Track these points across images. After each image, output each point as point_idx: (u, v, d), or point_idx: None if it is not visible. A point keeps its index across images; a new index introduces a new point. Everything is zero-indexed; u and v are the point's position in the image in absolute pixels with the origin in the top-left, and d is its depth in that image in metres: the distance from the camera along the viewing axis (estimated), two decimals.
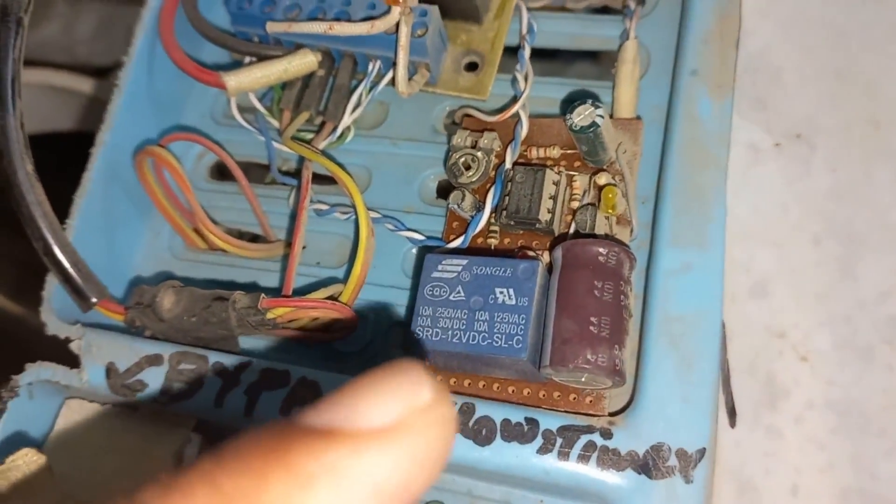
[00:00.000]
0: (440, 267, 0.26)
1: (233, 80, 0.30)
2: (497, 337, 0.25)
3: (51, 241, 0.27)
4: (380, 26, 0.29)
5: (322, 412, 0.14)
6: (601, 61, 0.41)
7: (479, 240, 0.29)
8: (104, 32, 0.63)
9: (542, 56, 0.33)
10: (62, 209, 0.30)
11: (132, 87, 0.31)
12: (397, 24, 0.29)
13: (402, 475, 0.14)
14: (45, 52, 0.58)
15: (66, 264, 0.28)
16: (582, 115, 0.27)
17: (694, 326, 0.26)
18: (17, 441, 0.28)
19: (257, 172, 0.35)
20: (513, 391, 0.27)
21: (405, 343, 0.29)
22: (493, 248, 0.29)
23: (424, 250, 0.29)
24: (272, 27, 0.30)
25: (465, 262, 0.26)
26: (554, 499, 0.26)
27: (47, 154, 0.32)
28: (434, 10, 0.30)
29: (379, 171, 0.32)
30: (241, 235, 0.32)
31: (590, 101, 0.27)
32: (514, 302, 0.25)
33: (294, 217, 0.32)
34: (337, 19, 0.30)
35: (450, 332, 0.25)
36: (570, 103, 0.31)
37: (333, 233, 0.32)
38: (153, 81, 0.32)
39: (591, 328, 0.24)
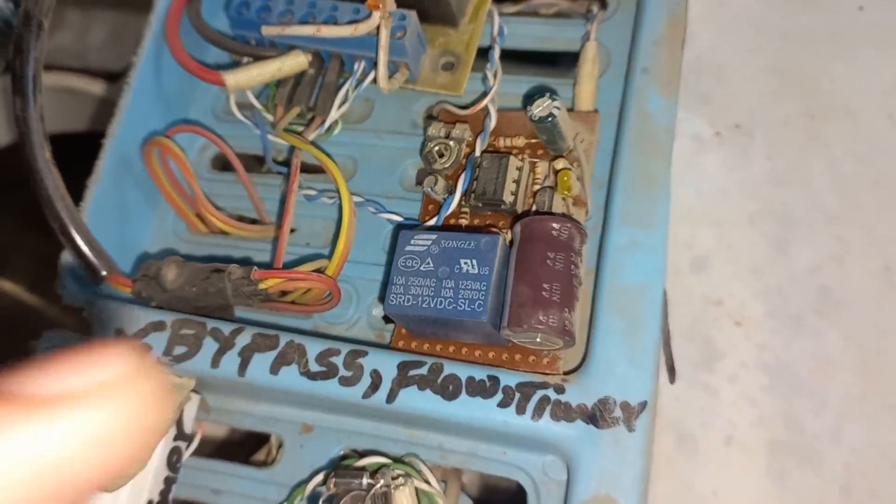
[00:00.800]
0: (412, 241, 0.29)
1: (231, 78, 0.34)
2: (461, 302, 0.28)
3: (66, 220, 0.31)
4: (362, 29, 0.32)
5: (6, 376, 0.13)
6: (561, 65, 0.44)
7: (451, 220, 0.32)
8: (115, 40, 0.66)
9: (511, 58, 0.36)
10: (76, 196, 0.33)
11: (140, 84, 0.34)
12: (378, 28, 0.32)
13: (60, 448, 0.12)
14: (59, 59, 0.62)
15: (80, 241, 0.31)
16: (541, 107, 0.30)
17: (639, 296, 0.29)
18: None
19: (253, 163, 0.38)
20: (479, 354, 0.30)
21: (388, 320, 0.32)
22: (463, 227, 0.32)
23: (400, 229, 0.32)
24: (267, 30, 0.34)
25: (434, 236, 0.29)
26: (515, 450, 0.29)
27: (60, 152, 0.35)
28: (412, 15, 0.33)
29: (364, 161, 0.35)
30: (239, 220, 0.35)
31: (548, 94, 0.30)
32: (476, 271, 0.28)
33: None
34: (325, 23, 0.34)
35: (420, 299, 0.28)
36: (529, 97, 0.34)
37: (321, 216, 0.35)
38: (160, 80, 0.35)
39: (544, 293, 0.27)
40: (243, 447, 0.39)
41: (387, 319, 0.33)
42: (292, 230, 0.34)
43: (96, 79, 0.56)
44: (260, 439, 0.36)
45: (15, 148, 0.59)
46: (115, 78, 0.64)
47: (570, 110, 0.33)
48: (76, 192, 0.33)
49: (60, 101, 0.56)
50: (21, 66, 0.30)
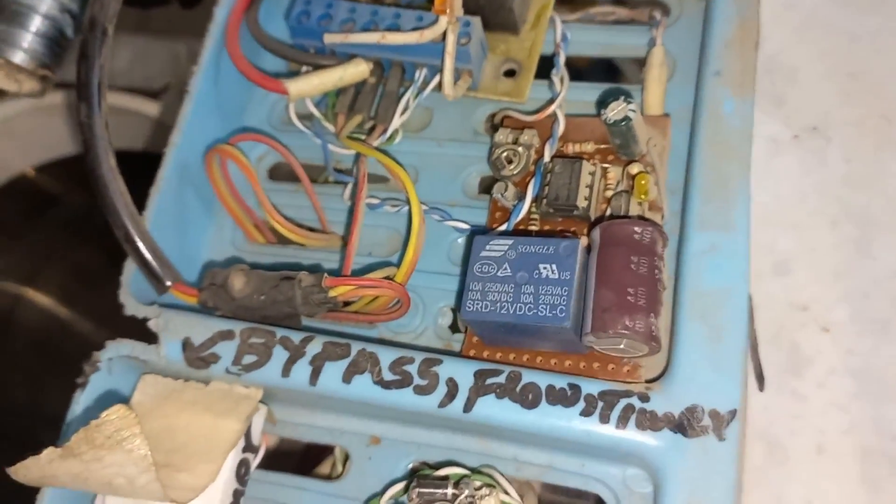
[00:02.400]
0: (488, 247, 0.29)
1: (293, 87, 0.33)
2: (542, 307, 0.27)
3: (131, 228, 0.30)
4: (428, 35, 0.32)
5: None
6: (621, 76, 0.44)
7: (521, 227, 0.31)
8: (140, 63, 0.66)
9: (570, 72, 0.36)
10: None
11: (200, 93, 0.34)
12: (444, 33, 0.32)
13: None
14: None
15: (144, 250, 0.30)
16: (615, 110, 0.30)
17: (723, 300, 0.28)
18: (97, 414, 0.30)
19: (311, 172, 0.37)
20: (555, 363, 0.29)
21: (456, 318, 0.31)
22: (533, 233, 0.31)
23: (473, 235, 0.32)
24: (330, 38, 0.33)
25: (510, 241, 0.28)
26: (594, 462, 0.28)
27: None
28: (476, 21, 0.33)
29: (426, 169, 0.35)
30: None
31: (622, 97, 0.30)
32: (556, 276, 0.27)
33: (348, 211, 0.35)
34: (388, 30, 0.33)
35: (498, 305, 0.28)
36: (602, 102, 0.34)
37: (384, 226, 0.34)
38: (219, 88, 0.35)
39: (629, 297, 0.26)
40: (291, 458, 0.38)
41: (454, 329, 0.32)
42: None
43: (135, 96, 0.56)
44: (314, 451, 0.36)
45: (49, 167, 0.59)
46: (151, 91, 0.64)
47: (641, 114, 0.32)
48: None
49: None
50: (86, 72, 0.30)
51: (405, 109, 0.34)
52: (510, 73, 0.35)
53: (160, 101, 0.55)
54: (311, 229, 0.35)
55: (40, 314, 0.57)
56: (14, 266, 0.57)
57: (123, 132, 0.56)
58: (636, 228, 0.28)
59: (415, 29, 0.33)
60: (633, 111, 0.30)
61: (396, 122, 0.34)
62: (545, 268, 0.28)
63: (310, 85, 0.34)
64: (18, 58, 0.36)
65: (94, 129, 0.30)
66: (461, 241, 0.33)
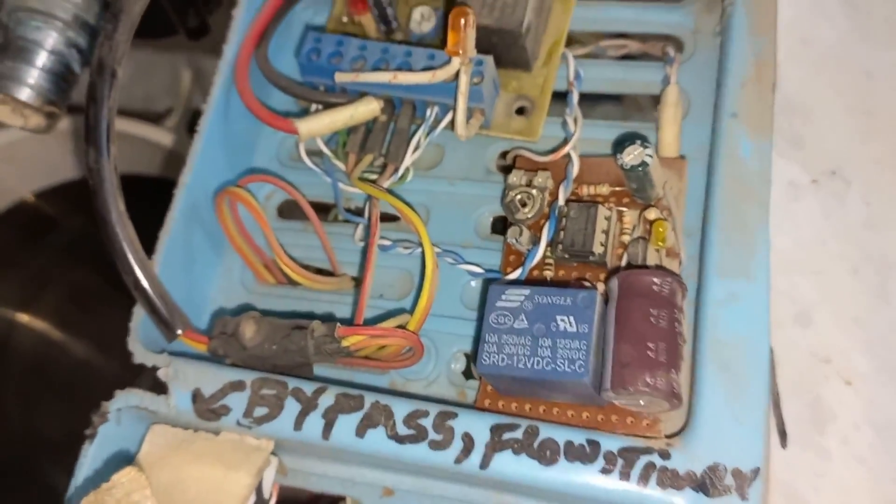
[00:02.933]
0: (504, 297, 0.28)
1: (304, 126, 0.33)
2: (560, 361, 0.27)
3: (141, 276, 0.29)
4: (441, 75, 0.32)
5: None
6: (624, 103, 0.44)
7: (535, 272, 0.31)
8: (141, 79, 0.66)
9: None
10: None
11: (210, 132, 0.34)
12: (457, 74, 0.32)
13: None
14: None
15: (154, 297, 0.30)
16: (632, 155, 0.29)
17: (744, 352, 0.27)
18: (105, 465, 0.30)
19: (321, 210, 0.37)
20: (572, 415, 0.28)
21: (469, 364, 0.31)
22: (549, 279, 0.31)
23: (488, 282, 0.31)
24: (340, 77, 0.33)
25: (527, 292, 0.28)
26: None
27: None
28: (489, 60, 0.32)
29: (437, 208, 0.34)
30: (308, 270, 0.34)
31: (639, 142, 0.29)
32: (574, 329, 0.27)
33: (359, 252, 0.34)
34: (399, 69, 0.33)
35: (515, 358, 0.27)
36: (618, 144, 0.33)
37: (395, 267, 0.34)
38: (228, 126, 0.34)
39: (649, 353, 0.26)
40: None
41: (467, 375, 0.32)
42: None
43: (139, 121, 0.55)
44: (324, 500, 0.35)
45: (55, 190, 0.59)
46: (153, 114, 0.63)
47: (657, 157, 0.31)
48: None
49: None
50: (95, 116, 0.30)
51: (416, 148, 0.34)
52: (522, 111, 0.34)
53: (167, 129, 0.54)
54: (321, 271, 0.34)
55: (36, 339, 0.57)
56: (10, 292, 0.57)
57: (128, 156, 0.56)
58: (655, 280, 0.27)
59: (426, 68, 0.32)
60: (650, 156, 0.29)
61: (408, 160, 0.34)
62: (563, 320, 0.27)
63: (320, 124, 0.33)
64: (24, 95, 0.35)
65: (102, 174, 0.29)
66: (474, 284, 0.32)
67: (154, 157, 0.54)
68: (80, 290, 0.56)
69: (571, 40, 0.36)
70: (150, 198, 0.37)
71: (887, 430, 0.27)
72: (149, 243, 0.33)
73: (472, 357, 0.31)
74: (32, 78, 0.35)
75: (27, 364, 0.57)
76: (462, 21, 0.30)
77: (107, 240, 0.30)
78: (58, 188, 0.56)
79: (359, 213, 0.34)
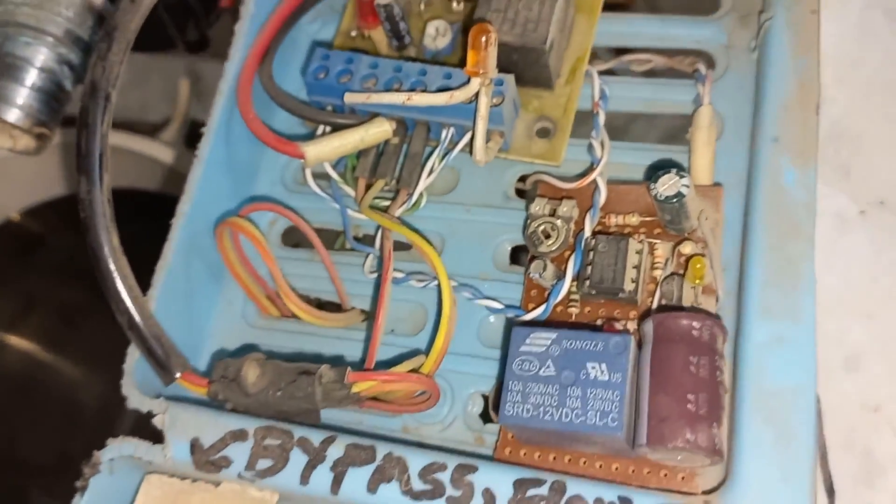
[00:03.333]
0: (528, 340, 0.26)
1: (311, 150, 0.31)
2: (591, 413, 0.24)
3: (135, 315, 0.28)
4: (459, 97, 0.29)
5: None
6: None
7: (559, 308, 0.29)
8: (138, 83, 0.64)
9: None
10: None
11: (211, 157, 0.32)
12: (476, 94, 0.29)
13: None
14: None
15: (150, 338, 0.28)
16: (667, 185, 0.27)
17: (790, 401, 0.25)
18: None
19: (327, 238, 0.35)
20: (600, 466, 0.26)
21: (487, 405, 0.29)
22: (573, 317, 0.28)
23: (508, 322, 0.29)
24: (351, 98, 0.31)
25: (554, 335, 0.26)
26: None
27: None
28: (510, 80, 0.30)
29: (452, 237, 0.32)
30: (318, 305, 0.32)
31: (674, 171, 0.27)
32: (606, 378, 0.25)
33: (370, 283, 0.32)
34: (412, 89, 0.31)
35: (542, 409, 0.25)
36: (650, 170, 0.31)
37: (407, 300, 0.31)
38: (230, 151, 0.32)
39: (689, 406, 0.24)
40: None
41: (485, 418, 0.29)
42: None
43: (136, 135, 0.53)
44: None
45: (42, 208, 0.57)
46: (148, 125, 0.61)
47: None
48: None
49: None
50: (87, 142, 0.28)
51: (431, 172, 0.32)
52: (544, 132, 0.32)
53: (164, 143, 0.52)
54: (329, 303, 0.32)
55: (23, 359, 0.55)
56: None
57: (123, 171, 0.54)
58: (695, 323, 0.25)
59: (443, 88, 0.30)
60: (687, 186, 0.27)
61: (422, 185, 0.32)
62: (594, 367, 0.25)
63: (329, 148, 0.31)
64: (13, 116, 0.33)
65: (94, 206, 0.27)
66: (493, 319, 0.30)
67: (151, 172, 0.52)
68: (68, 308, 0.54)
69: (594, 55, 0.34)
70: (148, 213, 0.35)
71: None
72: (147, 263, 0.31)
73: (490, 399, 0.29)
74: (22, 98, 0.33)
75: (14, 385, 0.55)
76: (483, 39, 0.28)
77: (99, 276, 0.28)
78: (44, 205, 0.54)
79: (369, 241, 0.32)
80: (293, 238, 0.34)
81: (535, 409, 0.25)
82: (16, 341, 0.55)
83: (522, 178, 0.33)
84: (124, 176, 0.52)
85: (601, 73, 0.33)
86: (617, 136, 0.32)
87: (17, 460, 0.52)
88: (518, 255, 0.33)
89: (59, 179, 0.54)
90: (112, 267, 0.27)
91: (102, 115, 0.28)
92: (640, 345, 0.26)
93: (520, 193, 0.33)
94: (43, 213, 0.54)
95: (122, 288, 0.27)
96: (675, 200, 0.27)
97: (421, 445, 0.28)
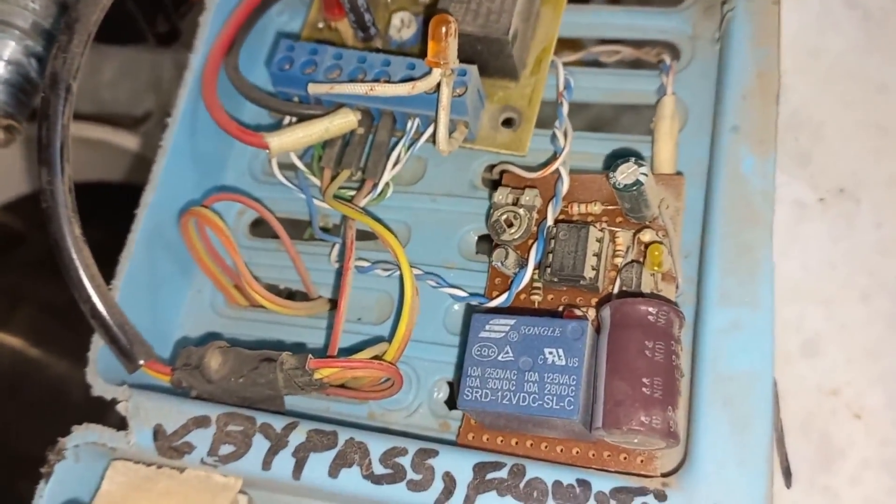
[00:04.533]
0: (487, 327, 0.26)
1: (275, 141, 0.31)
2: (548, 398, 0.25)
3: (98, 303, 0.28)
4: (421, 87, 0.30)
5: None
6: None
7: (522, 296, 0.29)
8: (126, 76, 0.64)
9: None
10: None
11: (175, 147, 0.32)
12: (438, 85, 0.30)
13: None
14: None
15: (113, 326, 0.28)
16: (625, 174, 0.27)
17: (746, 386, 0.25)
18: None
19: (296, 227, 0.35)
20: (561, 450, 0.26)
21: (453, 392, 0.29)
22: (536, 304, 0.29)
23: (471, 308, 0.29)
24: (314, 88, 0.31)
25: (512, 321, 0.26)
26: None
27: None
28: (473, 70, 0.30)
29: (418, 226, 0.32)
30: (288, 294, 0.32)
31: (632, 159, 0.27)
32: (563, 362, 0.25)
33: (335, 273, 0.32)
34: (377, 79, 0.31)
35: (500, 394, 0.25)
36: (611, 159, 0.31)
37: (374, 289, 0.32)
38: (195, 141, 0.32)
39: (644, 389, 0.24)
40: None
41: (450, 404, 0.30)
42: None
43: (114, 128, 0.53)
44: None
45: (22, 202, 0.57)
46: (131, 118, 0.61)
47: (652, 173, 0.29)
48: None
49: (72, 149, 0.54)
50: (48, 133, 0.28)
51: (396, 162, 0.32)
52: (509, 122, 0.32)
53: (140, 134, 0.52)
54: (298, 292, 0.32)
55: (11, 356, 0.55)
56: None
57: (100, 164, 0.54)
58: (651, 309, 0.25)
59: (406, 79, 0.30)
60: (645, 175, 0.27)
61: (387, 175, 0.32)
62: (551, 353, 0.25)
63: (293, 138, 0.31)
64: None
65: (56, 196, 0.27)
66: (458, 307, 0.31)
67: (121, 162, 0.52)
68: (54, 304, 0.54)
69: (579, 46, 0.34)
70: (117, 205, 0.35)
71: None
72: (113, 254, 0.31)
73: (455, 385, 0.29)
74: None
75: (3, 383, 0.55)
76: (443, 30, 0.28)
77: (62, 266, 0.28)
78: (22, 200, 0.54)
79: (337, 230, 0.32)
80: (262, 230, 0.34)
81: (493, 393, 0.25)
82: (2, 338, 0.55)
83: (490, 168, 0.33)
84: (90, 168, 0.52)
85: (570, 64, 0.34)
86: (607, 127, 0.32)
87: (8, 454, 0.52)
88: (485, 245, 0.33)
89: (35, 174, 0.53)
90: (74, 256, 0.27)
91: (63, 106, 0.28)
92: (598, 330, 0.26)
93: (488, 184, 0.33)
94: (22, 208, 0.54)
95: (85, 277, 0.27)
96: (633, 188, 0.27)
97: (385, 431, 0.28)
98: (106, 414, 0.29)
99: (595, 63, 0.35)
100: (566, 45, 0.35)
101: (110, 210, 0.38)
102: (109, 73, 0.63)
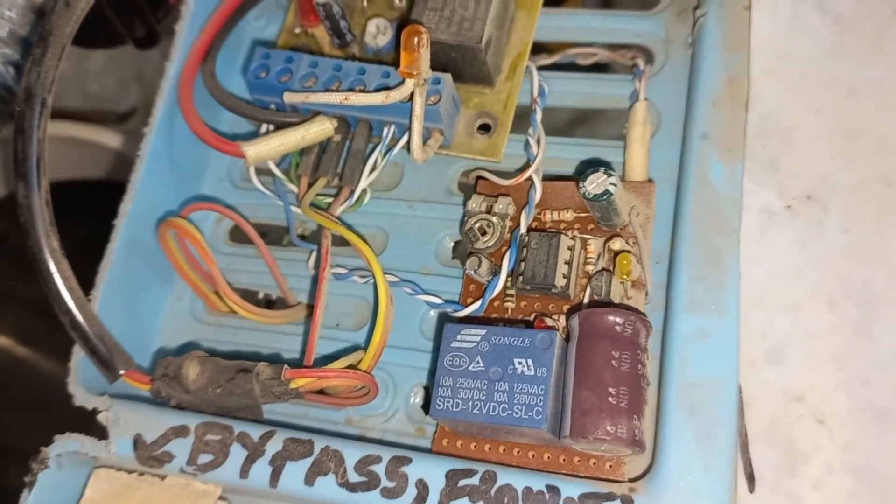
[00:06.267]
0: (459, 337, 0.27)
1: (252, 150, 0.31)
2: (517, 407, 0.25)
3: (77, 315, 0.28)
4: (394, 97, 0.30)
5: None
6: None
7: (496, 303, 0.29)
8: (114, 66, 0.64)
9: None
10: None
11: (153, 156, 0.32)
12: (411, 95, 0.30)
13: None
14: (60, 87, 0.59)
15: (92, 337, 0.28)
16: (595, 184, 0.28)
17: (712, 393, 0.26)
18: None
19: (276, 234, 0.35)
20: (533, 456, 0.27)
21: (428, 403, 0.29)
22: (509, 311, 0.29)
23: (444, 317, 0.30)
24: (289, 97, 0.31)
25: (483, 332, 0.26)
26: None
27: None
28: (447, 79, 0.31)
29: (395, 232, 0.32)
30: (268, 301, 0.33)
31: (602, 169, 0.28)
32: (532, 372, 0.25)
33: (313, 280, 0.32)
34: (352, 88, 0.31)
35: (470, 403, 0.26)
36: (584, 165, 0.31)
37: (352, 295, 0.32)
38: (172, 150, 0.33)
39: (610, 399, 0.25)
40: None
41: (426, 409, 0.30)
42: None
43: (100, 127, 0.53)
44: None
45: (4, 203, 0.57)
46: (115, 116, 0.61)
47: (622, 179, 0.30)
48: (73, 248, 0.30)
49: (57, 148, 0.54)
50: (24, 148, 0.28)
51: (373, 169, 0.32)
52: (485, 128, 0.32)
53: (124, 133, 0.52)
54: (278, 300, 0.33)
55: (1, 355, 0.55)
56: None
57: (85, 162, 0.54)
58: (618, 319, 0.25)
59: (381, 87, 0.31)
60: (614, 185, 0.27)
61: (364, 182, 0.32)
62: (520, 363, 0.26)
63: (269, 147, 0.31)
64: None
65: (33, 209, 0.28)
66: (434, 314, 0.31)
67: (105, 159, 0.52)
68: (41, 303, 0.55)
69: (538, 48, 0.34)
70: (102, 202, 0.36)
71: (863, 474, 0.26)
72: (99, 250, 0.31)
73: (430, 391, 0.30)
74: None
75: None
76: (415, 40, 0.28)
77: (41, 279, 0.28)
78: (4, 201, 0.54)
79: (314, 237, 0.33)
80: (241, 236, 0.35)
81: (464, 403, 0.26)
82: None
83: (467, 174, 0.33)
84: (71, 167, 0.52)
85: (545, 67, 0.34)
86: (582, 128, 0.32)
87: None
88: (461, 251, 0.33)
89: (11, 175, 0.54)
90: (53, 269, 0.28)
91: (39, 120, 0.28)
92: (568, 339, 0.27)
93: (464, 189, 0.33)
94: (4, 209, 0.54)
95: (64, 289, 0.28)
96: (603, 198, 0.27)
97: (362, 438, 0.29)
98: (93, 414, 0.30)
99: (571, 66, 0.35)
100: (542, 47, 0.35)
101: (95, 207, 0.39)
102: (97, 63, 0.63)
